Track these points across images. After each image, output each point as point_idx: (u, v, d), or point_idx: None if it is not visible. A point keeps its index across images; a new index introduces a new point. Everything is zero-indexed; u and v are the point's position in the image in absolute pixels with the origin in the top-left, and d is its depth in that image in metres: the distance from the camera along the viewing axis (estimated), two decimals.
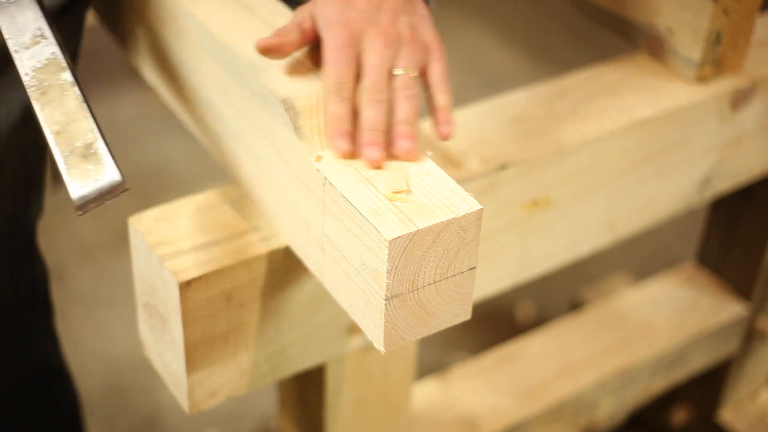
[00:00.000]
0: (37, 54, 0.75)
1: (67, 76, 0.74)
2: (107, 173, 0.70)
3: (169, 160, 2.24)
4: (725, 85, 1.07)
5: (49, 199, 2.10)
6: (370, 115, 0.76)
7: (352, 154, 0.76)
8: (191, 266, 0.84)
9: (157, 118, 2.34)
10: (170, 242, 0.86)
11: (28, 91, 0.74)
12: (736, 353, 1.47)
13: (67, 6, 0.96)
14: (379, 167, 0.75)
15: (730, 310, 1.43)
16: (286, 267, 0.88)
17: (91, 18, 1.28)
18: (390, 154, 0.76)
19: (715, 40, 1.04)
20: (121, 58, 1.19)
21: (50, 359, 1.15)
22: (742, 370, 1.51)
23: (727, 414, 1.52)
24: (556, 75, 1.11)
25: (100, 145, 0.71)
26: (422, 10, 0.82)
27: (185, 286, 0.83)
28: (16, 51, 0.75)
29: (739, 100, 1.08)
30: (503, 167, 0.94)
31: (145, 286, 0.90)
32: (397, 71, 0.78)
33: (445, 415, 1.28)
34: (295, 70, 0.82)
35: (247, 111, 0.86)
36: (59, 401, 1.17)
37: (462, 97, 2.69)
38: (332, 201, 0.74)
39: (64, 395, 1.18)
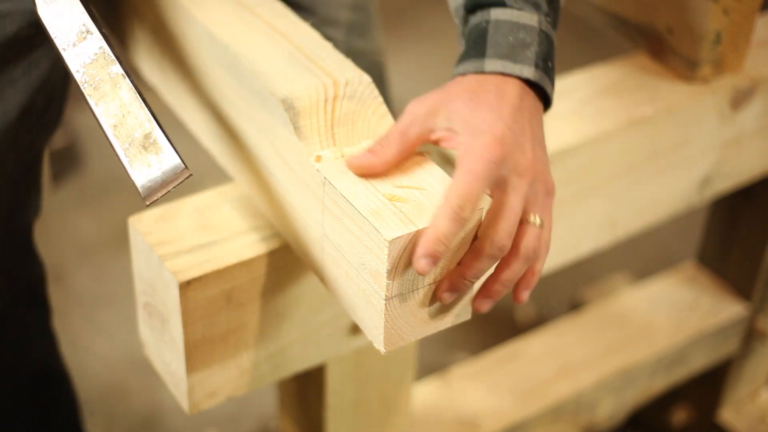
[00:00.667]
0: (85, 50, 0.75)
1: (117, 68, 0.74)
2: (168, 161, 0.70)
3: None
4: (725, 85, 1.07)
5: (49, 199, 2.11)
6: (476, 269, 0.69)
7: (425, 271, 0.68)
8: (191, 266, 0.84)
9: (158, 118, 2.34)
10: (170, 242, 0.86)
11: (82, 87, 0.74)
12: (736, 353, 1.47)
13: None
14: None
15: (730, 310, 1.43)
16: (286, 267, 0.88)
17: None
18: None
19: (715, 40, 1.04)
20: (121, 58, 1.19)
21: (48, 359, 1.15)
22: (742, 370, 1.51)
23: (727, 414, 1.52)
24: (556, 75, 1.10)
25: (158, 134, 0.72)
26: (542, 128, 0.75)
27: (185, 286, 0.83)
28: (64, 50, 0.75)
29: (739, 100, 1.08)
30: None
31: (145, 286, 0.90)
32: (531, 217, 0.71)
33: (445, 415, 1.28)
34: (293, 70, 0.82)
35: (247, 111, 0.86)
36: (57, 401, 1.17)
37: None
38: (332, 201, 0.74)
39: (62, 395, 1.18)
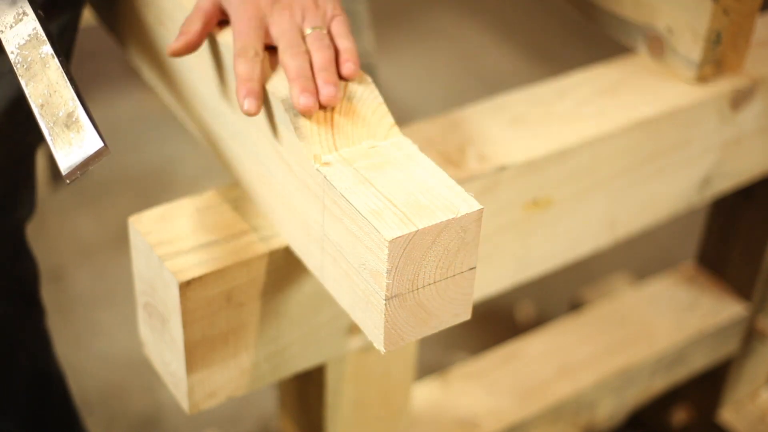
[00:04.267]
0: (20, 31, 0.77)
1: (47, 48, 0.76)
2: (88, 140, 0.72)
3: (169, 160, 2.25)
4: (725, 85, 1.07)
5: (49, 199, 2.11)
6: (295, 65, 0.80)
7: (258, 110, 0.79)
8: (191, 266, 0.84)
9: (157, 118, 2.34)
10: (170, 242, 0.86)
11: (15, 68, 0.76)
12: (736, 353, 1.47)
13: None
14: (310, 114, 0.78)
15: (730, 310, 1.43)
16: (286, 267, 0.88)
17: (90, 18, 1.28)
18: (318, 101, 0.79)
19: (715, 40, 1.04)
20: (121, 58, 1.20)
21: (41, 360, 1.14)
22: (742, 370, 1.51)
23: (727, 414, 1.52)
24: (556, 75, 1.11)
25: (80, 113, 0.73)
26: None
27: (185, 286, 0.83)
28: (1, 32, 0.77)
29: (739, 100, 1.08)
30: (503, 167, 0.94)
31: (145, 286, 0.90)
32: (307, 31, 0.83)
33: (445, 415, 1.28)
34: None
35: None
36: (50, 402, 1.16)
37: (462, 97, 2.69)
38: (332, 201, 0.74)
39: (56, 396, 1.17)
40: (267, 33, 0.83)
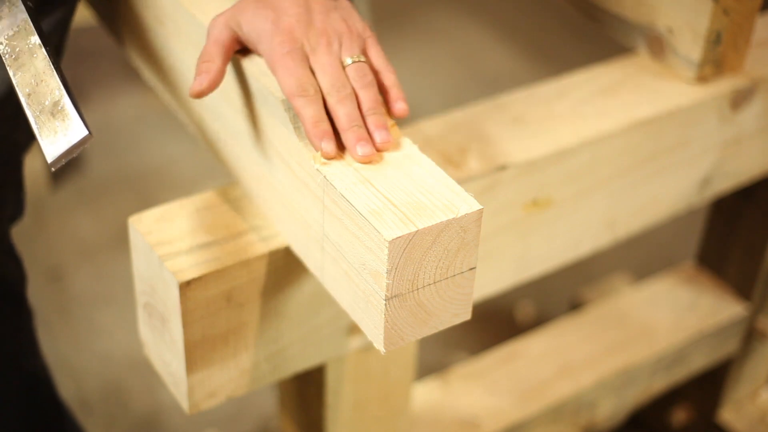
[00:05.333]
0: (10, 23, 0.78)
1: (35, 39, 0.76)
2: (73, 128, 0.72)
3: (169, 160, 2.25)
4: (725, 85, 1.07)
5: (49, 199, 2.11)
6: (345, 113, 0.77)
7: (337, 155, 0.77)
8: (191, 266, 0.84)
9: (157, 118, 2.34)
10: (170, 242, 0.86)
11: (3, 59, 0.76)
12: (736, 353, 1.47)
13: None
14: (371, 162, 0.76)
15: (730, 310, 1.43)
16: (286, 267, 0.88)
17: (90, 18, 1.28)
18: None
19: (715, 40, 1.04)
20: (121, 58, 1.20)
21: (29, 362, 1.13)
22: (742, 370, 1.51)
23: (727, 414, 1.52)
24: (556, 75, 1.11)
25: (66, 101, 0.73)
26: (345, 2, 0.85)
27: (185, 286, 0.83)
28: None
29: (739, 100, 1.08)
30: (503, 167, 0.94)
31: (145, 286, 0.90)
32: (347, 61, 0.80)
33: (445, 415, 1.28)
34: None
35: (247, 111, 0.86)
36: (39, 405, 1.15)
37: (462, 97, 2.69)
38: (332, 201, 0.74)
39: (45, 399, 1.16)
40: (308, 60, 0.80)
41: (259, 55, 0.83)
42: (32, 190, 2.08)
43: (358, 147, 0.76)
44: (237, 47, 0.83)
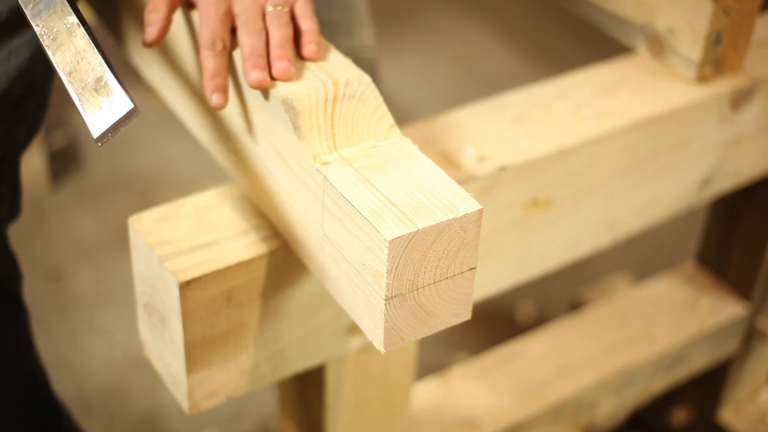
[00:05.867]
0: (46, 6, 0.78)
1: (73, 18, 0.77)
2: (118, 102, 0.73)
3: (169, 160, 2.25)
4: (725, 85, 1.07)
5: (49, 199, 2.11)
6: (250, 44, 0.80)
7: (226, 104, 0.80)
8: (191, 266, 0.84)
9: (157, 118, 2.34)
10: (170, 242, 0.86)
11: (41, 39, 0.77)
12: (736, 353, 1.47)
13: None
14: (262, 87, 0.79)
15: (730, 310, 1.43)
16: (286, 267, 0.88)
17: (90, 17, 1.28)
18: (271, 75, 0.80)
19: (715, 40, 1.04)
20: (121, 58, 1.19)
21: (25, 362, 1.12)
22: (742, 370, 1.51)
23: (727, 414, 1.52)
24: (556, 75, 1.11)
25: (109, 77, 0.74)
26: None
27: (185, 286, 0.83)
28: (25, 6, 0.79)
29: (739, 100, 1.08)
30: (503, 167, 0.94)
31: (145, 286, 0.90)
32: (269, 8, 0.83)
33: (445, 415, 1.28)
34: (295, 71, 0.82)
35: (247, 111, 0.86)
36: (36, 405, 1.15)
37: (462, 97, 2.69)
38: (332, 201, 0.74)
39: (42, 399, 1.15)
40: (231, 12, 0.83)
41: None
42: (32, 190, 2.08)
43: (252, 72, 0.79)
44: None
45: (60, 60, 0.76)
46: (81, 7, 1.10)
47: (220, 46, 0.81)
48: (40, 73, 1.00)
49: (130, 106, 0.73)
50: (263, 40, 0.81)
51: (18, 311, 1.10)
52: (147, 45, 0.84)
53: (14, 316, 1.09)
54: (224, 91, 0.80)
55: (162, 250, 0.85)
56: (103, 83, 0.74)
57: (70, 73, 0.75)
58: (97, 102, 0.73)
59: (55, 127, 2.29)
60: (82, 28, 0.76)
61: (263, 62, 0.80)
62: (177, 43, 0.96)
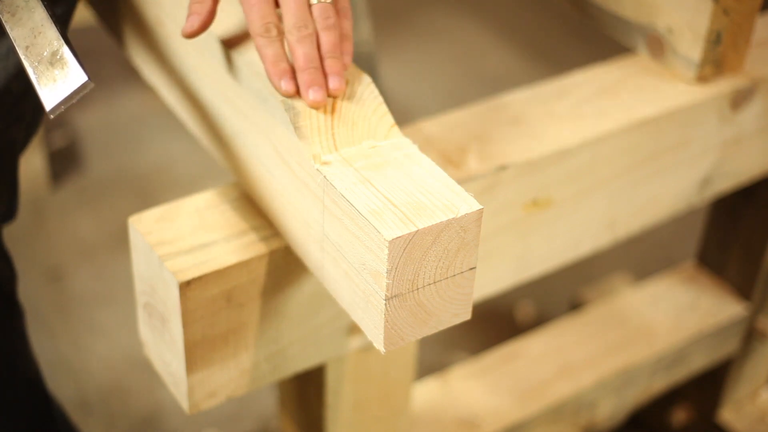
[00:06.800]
0: None
1: None
2: (72, 75, 0.74)
3: (169, 160, 2.25)
4: (725, 85, 1.07)
5: (49, 198, 2.11)
6: (304, 52, 0.78)
7: (296, 93, 0.78)
8: (191, 266, 0.84)
9: (157, 118, 2.34)
10: (170, 242, 0.86)
11: (1, 16, 0.78)
12: (736, 353, 1.47)
13: None
14: (319, 107, 0.77)
15: (730, 310, 1.43)
16: (286, 267, 0.88)
17: (90, 18, 1.28)
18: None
19: (715, 40, 1.04)
20: (121, 58, 1.19)
21: (20, 362, 1.12)
22: (742, 370, 1.51)
23: (727, 414, 1.52)
24: (556, 75, 1.11)
25: (65, 51, 0.75)
26: None
27: (185, 286, 0.83)
28: None
29: (739, 100, 1.08)
30: (503, 167, 0.94)
31: (145, 286, 0.90)
32: (313, 1, 0.80)
33: (445, 415, 1.28)
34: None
35: (247, 111, 0.86)
36: (31, 405, 1.14)
37: (462, 97, 2.69)
38: (332, 201, 0.74)
39: (37, 399, 1.15)
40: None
41: None
42: (32, 190, 2.08)
43: (310, 92, 0.77)
44: None
45: (18, 35, 0.76)
46: (81, 7, 1.10)
47: (274, 32, 0.78)
48: None
49: (83, 78, 0.74)
50: (316, 47, 0.79)
51: (13, 311, 1.09)
52: (187, 36, 0.82)
53: (9, 316, 1.09)
54: (291, 77, 0.78)
55: (162, 250, 0.85)
56: (58, 57, 0.75)
57: (27, 47, 0.76)
58: (52, 74, 0.74)
59: (55, 127, 2.29)
60: (40, 3, 0.77)
61: (321, 78, 0.78)
62: (178, 43, 0.96)
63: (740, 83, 1.08)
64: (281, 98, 0.79)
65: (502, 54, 2.69)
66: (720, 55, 1.06)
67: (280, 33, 0.79)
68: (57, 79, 0.74)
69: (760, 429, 1.51)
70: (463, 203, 0.72)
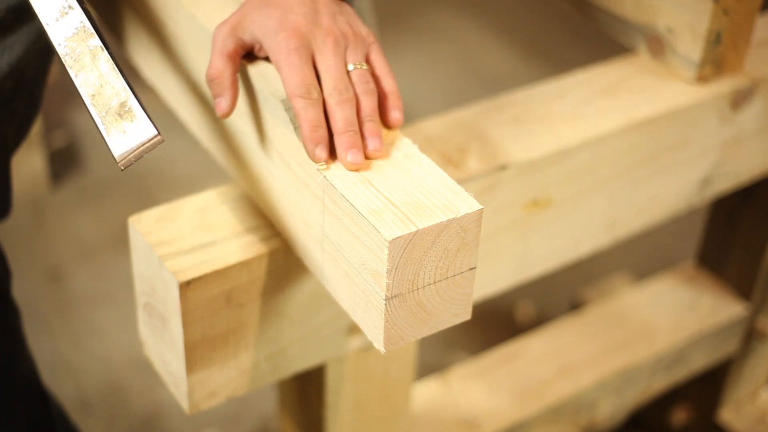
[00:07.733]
0: (66, 25, 0.78)
1: (96, 41, 0.77)
2: (142, 128, 0.74)
3: (169, 160, 2.25)
4: (725, 85, 1.07)
5: (49, 198, 2.11)
6: (343, 116, 0.77)
7: (328, 160, 0.77)
8: (191, 266, 0.84)
9: (157, 118, 2.34)
10: (170, 242, 0.86)
11: (63, 60, 0.77)
12: (736, 353, 1.47)
13: None
14: (358, 170, 0.75)
15: (730, 310, 1.43)
16: (286, 267, 0.88)
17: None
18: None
19: (715, 40, 1.04)
20: (120, 58, 1.19)
21: (17, 361, 1.12)
22: (742, 370, 1.51)
23: (727, 414, 1.52)
24: (556, 75, 1.11)
25: (133, 103, 0.75)
26: (349, 8, 0.85)
27: (185, 286, 0.83)
28: (47, 24, 0.79)
29: (739, 100, 1.08)
30: (503, 167, 0.94)
31: (145, 286, 0.90)
32: (350, 66, 0.80)
33: (445, 415, 1.28)
34: None
35: (247, 110, 0.86)
36: (28, 405, 1.14)
37: (462, 97, 2.69)
38: (332, 201, 0.74)
39: (34, 399, 1.15)
40: (314, 59, 0.80)
41: (264, 57, 0.83)
42: (32, 190, 2.08)
43: (348, 154, 0.76)
44: (243, 53, 0.83)
45: (83, 82, 0.76)
46: None
47: (315, 94, 0.77)
48: (31, 70, 0.99)
49: (153, 132, 0.74)
50: (354, 111, 0.78)
51: (8, 309, 1.09)
52: (222, 117, 0.82)
53: (4, 315, 1.09)
54: (327, 145, 0.76)
55: (162, 250, 0.85)
56: (127, 108, 0.75)
57: (93, 95, 0.75)
58: (121, 127, 0.74)
59: (55, 127, 2.29)
60: (105, 51, 0.77)
61: (359, 141, 0.77)
62: (178, 43, 0.96)
63: (740, 83, 1.08)
64: (282, 98, 0.79)
65: (502, 54, 2.69)
66: (720, 55, 1.06)
67: (320, 96, 0.78)
68: (126, 131, 0.74)
69: (760, 429, 1.51)
70: (463, 203, 0.72)
